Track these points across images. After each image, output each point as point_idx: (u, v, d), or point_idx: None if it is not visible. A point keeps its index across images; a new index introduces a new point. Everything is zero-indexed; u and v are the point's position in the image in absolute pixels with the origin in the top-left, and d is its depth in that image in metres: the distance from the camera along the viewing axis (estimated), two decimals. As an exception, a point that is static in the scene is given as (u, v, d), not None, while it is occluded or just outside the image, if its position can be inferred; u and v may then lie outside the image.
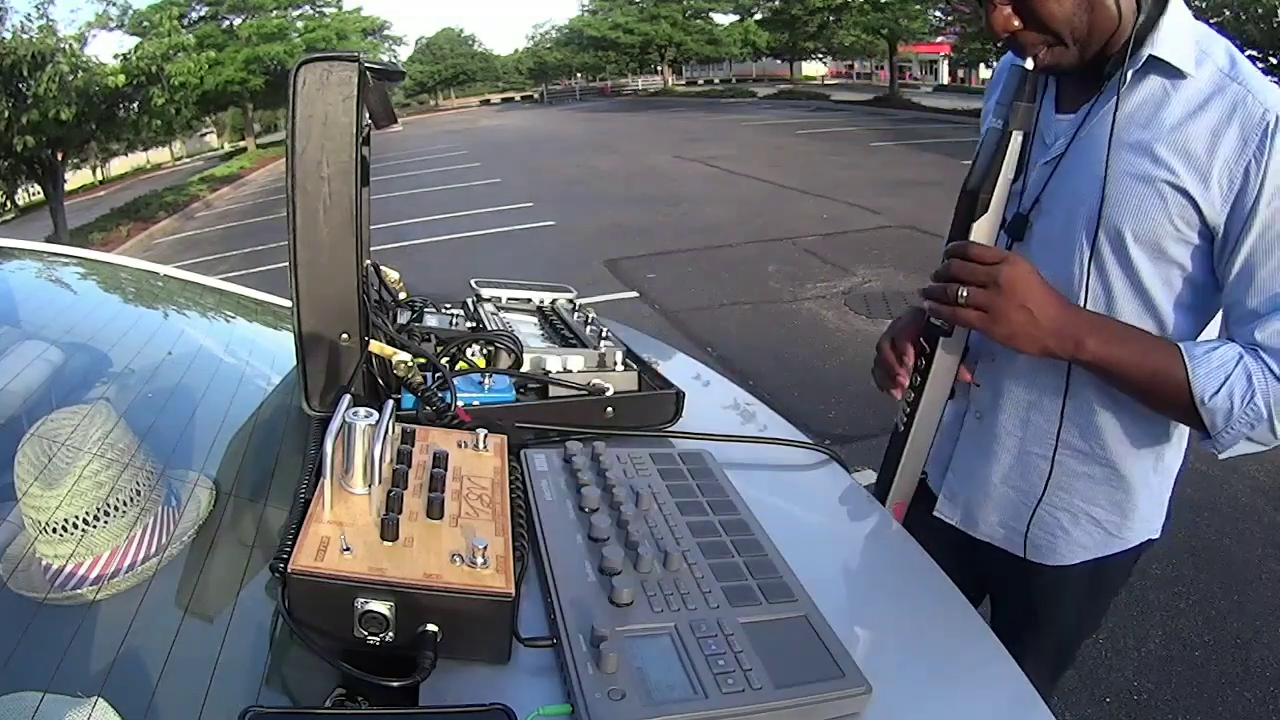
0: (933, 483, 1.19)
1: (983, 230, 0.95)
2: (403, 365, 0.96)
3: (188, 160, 28.27)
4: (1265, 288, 0.86)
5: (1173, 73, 0.88)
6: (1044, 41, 0.89)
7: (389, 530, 0.65)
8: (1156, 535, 1.08)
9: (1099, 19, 0.87)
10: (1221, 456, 0.92)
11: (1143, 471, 1.02)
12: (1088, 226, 0.92)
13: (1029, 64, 0.90)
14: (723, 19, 36.04)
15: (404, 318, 1.24)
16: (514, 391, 1.04)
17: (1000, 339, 0.91)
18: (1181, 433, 1.02)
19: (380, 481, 0.71)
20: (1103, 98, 0.93)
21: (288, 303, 0.90)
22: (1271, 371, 0.86)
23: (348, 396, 0.72)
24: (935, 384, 1.04)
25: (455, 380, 0.99)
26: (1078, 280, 0.94)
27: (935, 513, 1.17)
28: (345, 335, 0.89)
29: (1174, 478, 1.07)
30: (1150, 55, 0.87)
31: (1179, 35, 0.88)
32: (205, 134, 33.04)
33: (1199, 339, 0.93)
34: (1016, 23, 0.88)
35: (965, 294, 0.90)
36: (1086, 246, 0.92)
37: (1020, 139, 0.93)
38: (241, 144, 27.25)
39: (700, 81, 42.86)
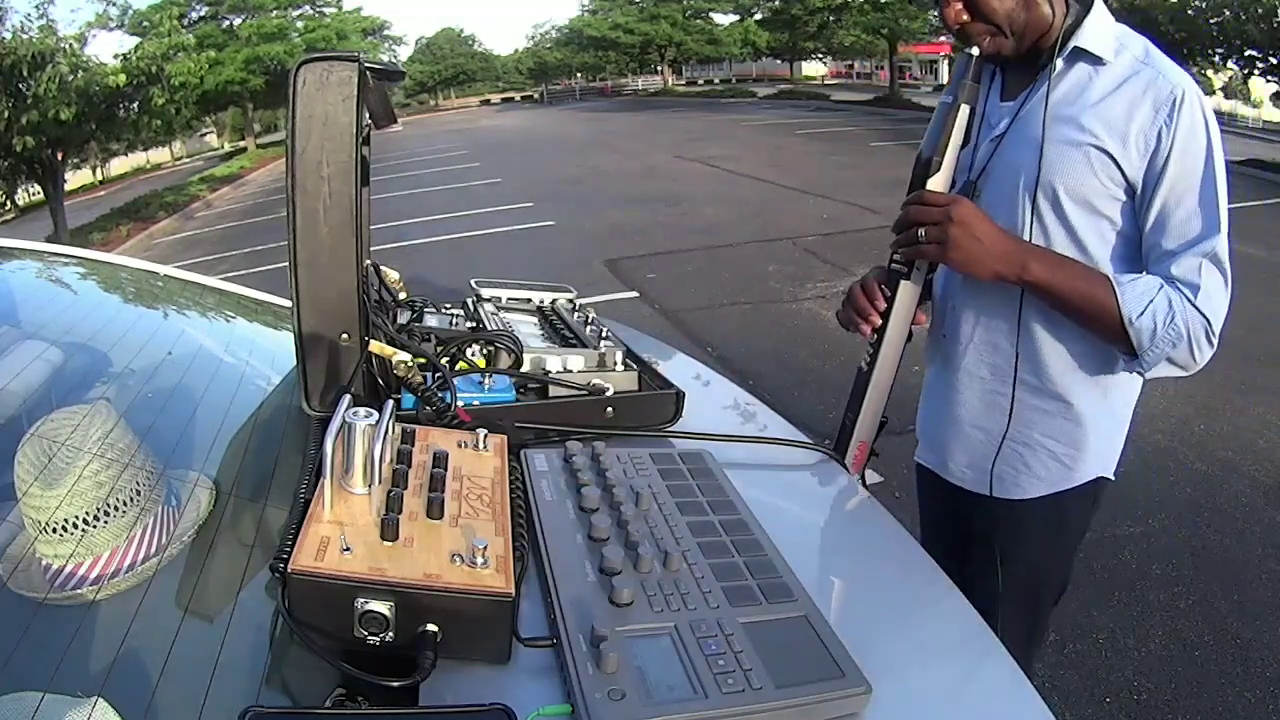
0: (918, 432, 1.35)
1: (937, 186, 1.09)
2: (403, 365, 0.96)
3: (188, 160, 28.26)
4: (1178, 232, 1.03)
5: (1095, 60, 1.05)
6: (988, 32, 1.05)
7: (389, 530, 0.65)
8: (1110, 475, 1.19)
9: (1034, 16, 1.04)
10: (1147, 375, 1.07)
11: (1091, 404, 1.14)
12: (1028, 186, 1.08)
13: (974, 51, 1.05)
14: (723, 19, 36.07)
15: (404, 318, 1.24)
16: (514, 391, 1.04)
17: (956, 265, 1.06)
18: (1129, 374, 1.12)
19: (380, 481, 0.71)
20: (1037, 84, 1.09)
21: (288, 303, 0.90)
22: (1188, 299, 1.01)
23: (348, 396, 0.72)
24: (896, 324, 1.15)
25: (455, 380, 0.99)
26: (1021, 231, 1.09)
27: (915, 457, 1.34)
28: (345, 335, 0.89)
29: (1125, 419, 1.19)
30: (1075, 46, 1.05)
31: (1100, 31, 1.05)
32: (205, 134, 33.02)
33: None
34: (965, 16, 1.05)
35: (924, 232, 1.05)
36: (1028, 202, 1.08)
37: (967, 112, 1.07)
38: (241, 144, 27.24)
39: (700, 81, 42.85)
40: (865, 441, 1.19)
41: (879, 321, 1.15)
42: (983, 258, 1.03)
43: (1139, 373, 1.07)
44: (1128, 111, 1.02)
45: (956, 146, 1.08)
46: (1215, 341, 1.03)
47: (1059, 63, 1.05)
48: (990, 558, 1.20)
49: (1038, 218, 1.08)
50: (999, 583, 1.19)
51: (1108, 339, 1.06)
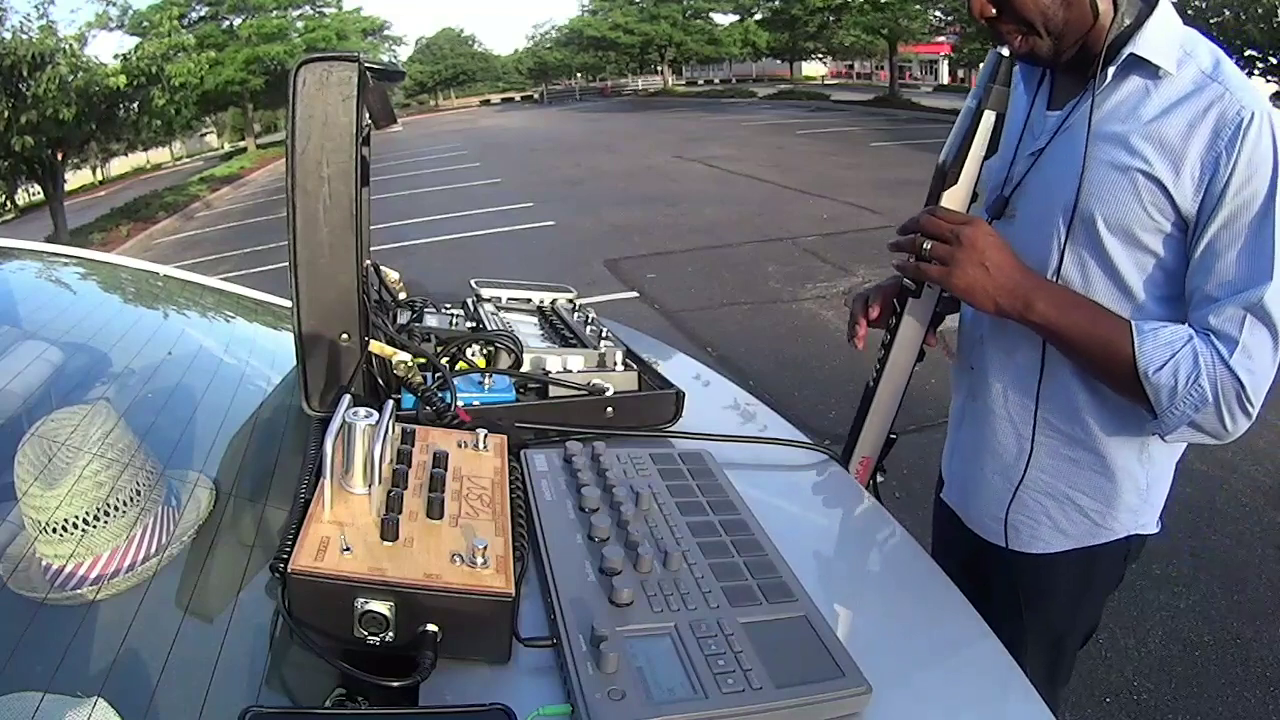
0: (943, 467, 1.25)
1: (954, 200, 1.00)
2: (403, 365, 0.96)
3: (188, 160, 28.27)
4: (1223, 275, 0.88)
5: (1153, 72, 0.91)
6: (1018, 30, 0.93)
7: (389, 530, 0.65)
8: (1147, 531, 1.08)
9: (1074, 15, 0.91)
10: (1168, 439, 0.94)
11: (1126, 459, 1.03)
12: (1064, 211, 0.96)
13: (1004, 51, 0.96)
14: (723, 19, 36.07)
15: (404, 318, 1.24)
16: (514, 391, 1.04)
17: (958, 291, 0.97)
18: None
19: (380, 481, 0.71)
20: (1085, 94, 0.96)
21: (288, 303, 0.90)
22: (1220, 357, 0.87)
23: (348, 396, 0.72)
24: (901, 344, 1.09)
25: (455, 380, 0.99)
26: (1053, 261, 0.98)
27: (941, 495, 1.23)
28: (345, 335, 0.89)
29: (1166, 474, 1.07)
30: (1131, 54, 0.91)
31: (1163, 37, 0.91)
32: (205, 134, 33.05)
33: None
34: (991, 10, 0.93)
35: (929, 246, 0.96)
36: (1062, 229, 0.97)
37: (993, 119, 0.98)
38: (241, 144, 27.27)
39: (700, 81, 42.90)
40: (869, 457, 1.16)
41: (863, 333, 1.12)
42: (986, 287, 0.93)
43: (1160, 435, 0.94)
44: (1185, 132, 0.88)
45: (978, 157, 0.99)
46: (1253, 410, 0.88)
47: (1109, 71, 0.92)
48: (1013, 605, 1.12)
49: (1072, 246, 0.97)
50: (1022, 629, 1.10)
51: (1124, 393, 0.94)
